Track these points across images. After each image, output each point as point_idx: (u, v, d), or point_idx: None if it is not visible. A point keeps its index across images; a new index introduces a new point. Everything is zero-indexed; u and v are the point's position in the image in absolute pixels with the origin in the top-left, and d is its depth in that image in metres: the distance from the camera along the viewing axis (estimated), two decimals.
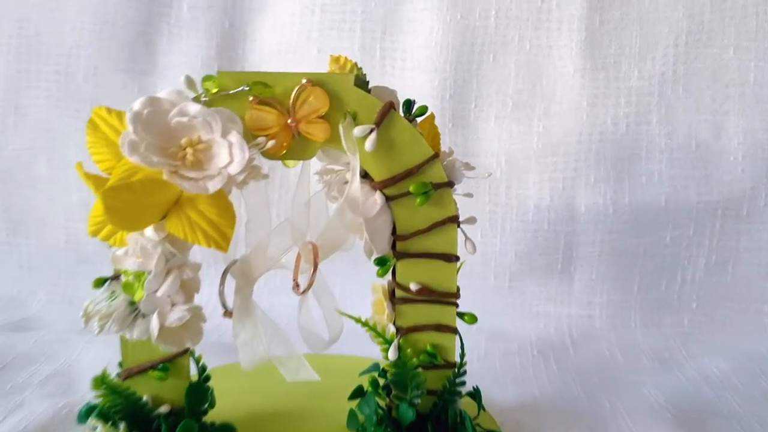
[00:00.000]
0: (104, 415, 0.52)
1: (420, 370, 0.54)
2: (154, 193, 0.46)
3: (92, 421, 0.51)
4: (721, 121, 0.83)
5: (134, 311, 0.50)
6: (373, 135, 0.49)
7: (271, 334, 0.52)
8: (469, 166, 0.54)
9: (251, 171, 0.48)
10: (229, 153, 0.47)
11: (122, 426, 0.52)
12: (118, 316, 0.50)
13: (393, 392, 0.55)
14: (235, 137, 0.47)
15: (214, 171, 0.46)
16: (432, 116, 0.55)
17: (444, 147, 0.55)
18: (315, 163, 0.55)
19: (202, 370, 0.56)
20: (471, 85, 0.85)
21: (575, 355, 0.77)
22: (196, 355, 0.57)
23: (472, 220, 0.54)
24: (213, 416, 0.56)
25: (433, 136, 0.54)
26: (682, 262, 0.85)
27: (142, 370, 0.53)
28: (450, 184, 0.52)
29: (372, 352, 0.70)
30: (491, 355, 0.77)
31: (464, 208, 0.52)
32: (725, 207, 0.84)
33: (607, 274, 0.86)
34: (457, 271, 0.55)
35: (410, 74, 0.86)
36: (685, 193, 0.84)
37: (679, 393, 0.68)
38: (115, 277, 0.51)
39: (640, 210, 0.84)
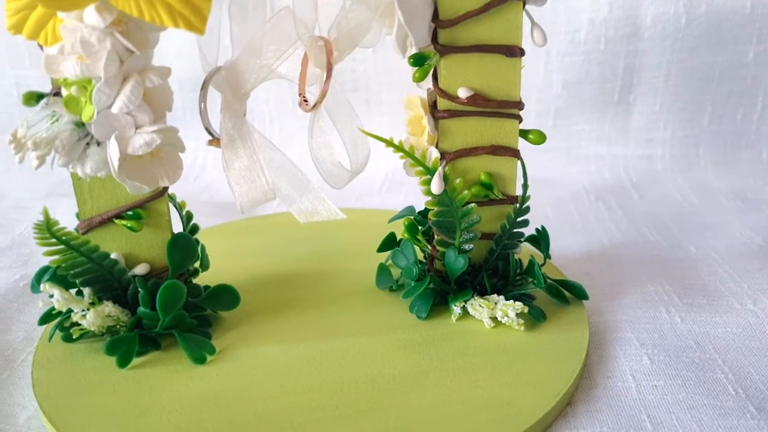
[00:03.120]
0: (62, 280, 0.39)
1: (473, 206, 0.41)
2: None
3: (46, 286, 0.39)
4: None
5: (85, 136, 0.36)
6: None
7: (274, 164, 0.38)
8: None
9: None
10: None
11: (87, 292, 0.39)
12: (63, 142, 0.36)
13: (437, 237, 0.43)
14: None
15: None
16: None
17: None
18: None
19: (187, 218, 0.43)
20: None
21: (641, 200, 0.65)
22: (182, 209, 0.44)
23: (540, 0, 0.39)
24: (207, 281, 0.44)
25: None
26: (765, 84, 0.70)
27: (106, 220, 0.40)
28: None
29: (391, 204, 0.57)
30: (540, 204, 0.64)
31: None
32: None
33: (673, 104, 0.72)
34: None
35: None
36: None
37: None
38: (56, 92, 0.37)
39: (719, 19, 0.68)
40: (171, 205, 0.42)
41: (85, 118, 0.36)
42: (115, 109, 0.35)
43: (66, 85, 0.36)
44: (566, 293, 0.45)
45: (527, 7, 0.39)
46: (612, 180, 0.69)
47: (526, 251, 0.45)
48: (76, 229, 0.40)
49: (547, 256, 0.45)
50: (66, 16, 0.34)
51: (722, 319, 0.43)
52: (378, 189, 0.69)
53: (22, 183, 0.69)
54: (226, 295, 0.43)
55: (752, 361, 0.39)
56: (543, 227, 0.45)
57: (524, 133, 0.42)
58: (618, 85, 0.72)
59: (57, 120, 0.36)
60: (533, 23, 0.40)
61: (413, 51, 0.39)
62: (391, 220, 0.48)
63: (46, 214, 0.35)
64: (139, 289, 0.39)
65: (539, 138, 0.42)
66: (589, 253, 0.53)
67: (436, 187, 0.40)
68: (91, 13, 0.33)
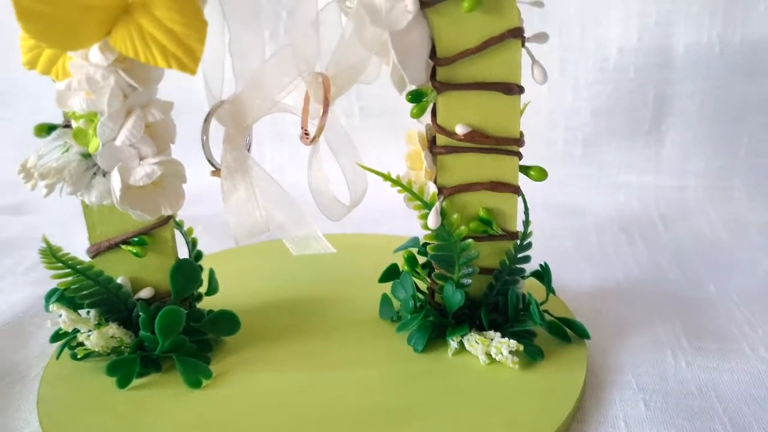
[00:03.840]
0: (71, 301, 0.41)
1: (470, 241, 0.41)
2: None
3: (54, 307, 0.41)
4: None
5: (92, 167, 0.38)
6: None
7: (271, 196, 0.39)
8: None
9: None
10: None
11: (92, 314, 0.41)
12: (71, 172, 0.38)
13: (435, 271, 0.43)
14: None
15: None
16: None
17: None
18: None
19: (192, 244, 0.45)
20: None
21: (666, 233, 0.63)
22: (194, 236, 0.46)
23: (542, 37, 0.39)
24: (214, 305, 0.45)
25: None
26: None
27: (113, 245, 0.41)
28: None
29: (413, 230, 0.57)
30: (560, 233, 0.63)
31: None
32: None
33: (708, 134, 0.69)
34: (521, 112, 0.40)
35: None
36: None
37: None
38: (67, 124, 0.39)
39: (755, 49, 0.66)
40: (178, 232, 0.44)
41: (91, 150, 0.37)
42: (118, 142, 0.37)
43: (74, 118, 0.37)
44: (568, 331, 0.44)
45: (528, 44, 0.39)
46: (639, 211, 0.67)
47: (531, 285, 0.45)
48: (87, 252, 0.42)
49: (550, 290, 0.45)
50: (73, 54, 0.36)
51: (730, 365, 0.42)
52: (402, 213, 0.69)
53: (57, 199, 0.72)
54: (226, 321, 0.44)
55: (754, 411, 0.38)
56: (546, 264, 0.45)
57: (525, 170, 0.42)
58: (649, 114, 0.70)
59: (68, 150, 0.38)
60: (534, 60, 0.39)
61: (412, 88, 0.39)
62: (396, 251, 0.48)
63: (46, 240, 0.37)
64: (140, 313, 0.41)
65: (541, 175, 0.41)
66: (602, 289, 0.52)
67: (432, 221, 0.40)
68: (95, 52, 0.35)
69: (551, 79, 0.69)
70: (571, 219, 0.65)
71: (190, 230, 0.45)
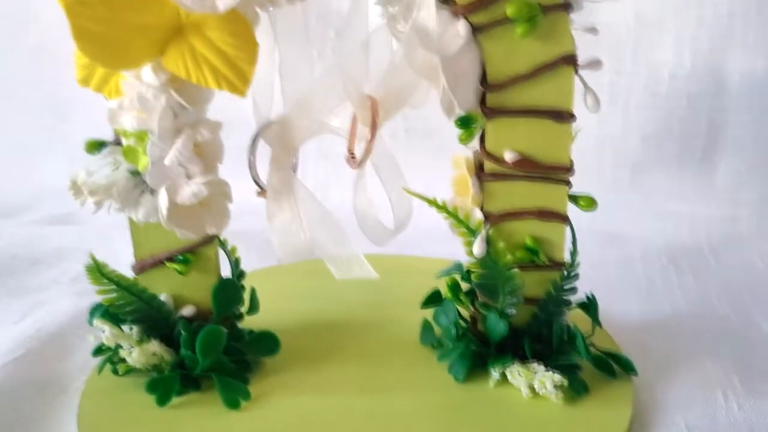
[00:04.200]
0: (114, 317, 0.41)
1: (516, 270, 0.40)
2: (141, 9, 0.33)
3: (98, 322, 0.41)
4: None
5: (141, 184, 0.39)
6: None
7: (315, 219, 0.39)
8: None
9: None
10: None
11: (135, 330, 0.41)
12: (119, 190, 0.38)
13: (479, 299, 0.42)
14: None
15: None
16: None
17: None
18: None
19: (235, 264, 0.45)
20: None
21: (717, 265, 0.61)
22: (237, 254, 0.45)
23: (597, 64, 0.38)
24: (255, 324, 0.45)
25: None
26: None
27: (157, 262, 0.42)
28: (566, 7, 0.36)
29: (456, 254, 0.57)
30: (606, 262, 0.61)
31: None
32: None
33: (761, 164, 0.67)
34: (572, 140, 0.39)
35: None
36: None
37: None
38: (117, 141, 0.40)
39: None
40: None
41: (140, 168, 0.38)
42: (167, 161, 0.37)
43: (125, 136, 0.38)
44: (614, 366, 0.42)
45: (581, 71, 0.38)
46: (689, 241, 0.65)
47: (575, 315, 0.44)
48: (132, 268, 0.42)
49: (596, 323, 0.43)
50: (126, 73, 0.36)
51: None
52: (445, 237, 0.69)
53: (103, 212, 0.73)
54: (266, 342, 0.44)
55: None
56: (592, 296, 0.44)
57: (574, 199, 0.41)
58: (701, 141, 0.68)
59: (117, 168, 0.39)
60: (587, 88, 0.38)
61: (459, 112, 0.39)
62: (439, 276, 0.47)
63: (93, 258, 0.38)
64: (182, 331, 0.41)
65: (590, 204, 0.40)
66: (649, 322, 0.51)
67: (477, 249, 0.40)
68: (147, 72, 0.35)
69: (601, 102, 0.67)
70: (617, 248, 0.64)
71: (234, 249, 0.45)
